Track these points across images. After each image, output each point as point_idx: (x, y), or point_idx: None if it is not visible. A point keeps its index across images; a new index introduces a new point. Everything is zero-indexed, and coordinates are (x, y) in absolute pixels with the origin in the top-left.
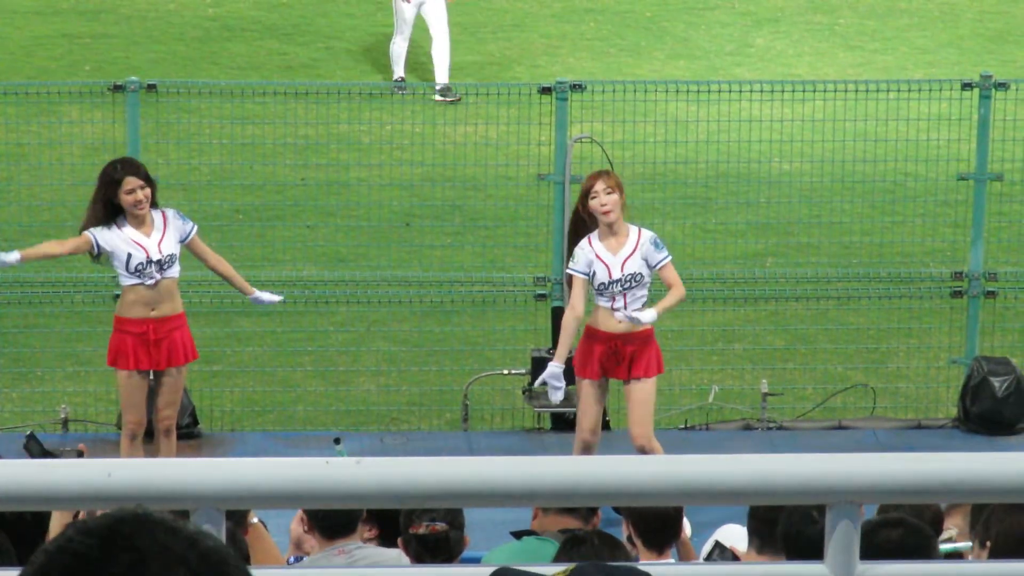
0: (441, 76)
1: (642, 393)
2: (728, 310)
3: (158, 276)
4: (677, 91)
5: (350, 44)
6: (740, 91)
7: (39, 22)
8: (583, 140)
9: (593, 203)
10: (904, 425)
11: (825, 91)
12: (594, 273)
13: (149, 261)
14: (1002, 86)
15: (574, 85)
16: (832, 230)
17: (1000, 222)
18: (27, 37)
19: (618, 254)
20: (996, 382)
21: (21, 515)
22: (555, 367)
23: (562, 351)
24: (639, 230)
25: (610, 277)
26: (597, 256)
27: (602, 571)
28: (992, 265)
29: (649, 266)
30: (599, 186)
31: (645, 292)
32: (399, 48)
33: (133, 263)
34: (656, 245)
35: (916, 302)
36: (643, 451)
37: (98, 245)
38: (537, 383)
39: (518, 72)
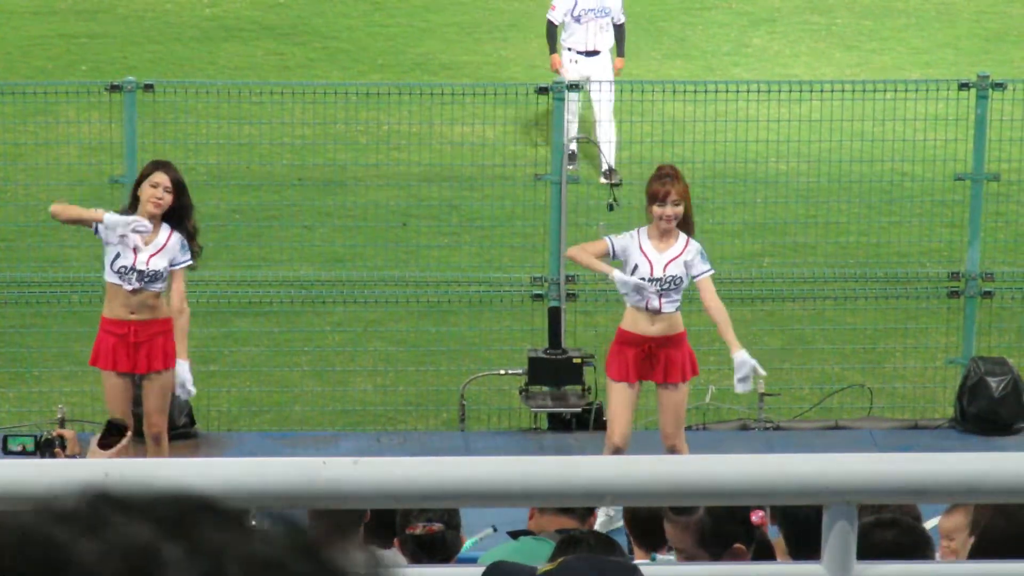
0: (609, 158)
1: (675, 398)
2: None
3: (137, 285)
4: (674, 91)
5: (347, 44)
6: (737, 91)
7: (36, 22)
8: (580, 140)
9: (657, 210)
10: (901, 425)
11: (822, 91)
12: (635, 267)
13: (132, 268)
14: (999, 86)
15: (571, 85)
16: (829, 230)
17: (997, 222)
18: (24, 37)
19: (664, 254)
20: (993, 382)
21: None
22: (619, 275)
23: (600, 264)
24: (687, 238)
25: (651, 275)
26: (642, 250)
27: (590, 564)
28: (989, 265)
29: (690, 274)
30: (671, 196)
31: (680, 296)
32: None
33: (118, 263)
34: (703, 256)
35: (913, 302)
36: (673, 451)
37: (100, 228)
38: (627, 285)
39: (515, 72)
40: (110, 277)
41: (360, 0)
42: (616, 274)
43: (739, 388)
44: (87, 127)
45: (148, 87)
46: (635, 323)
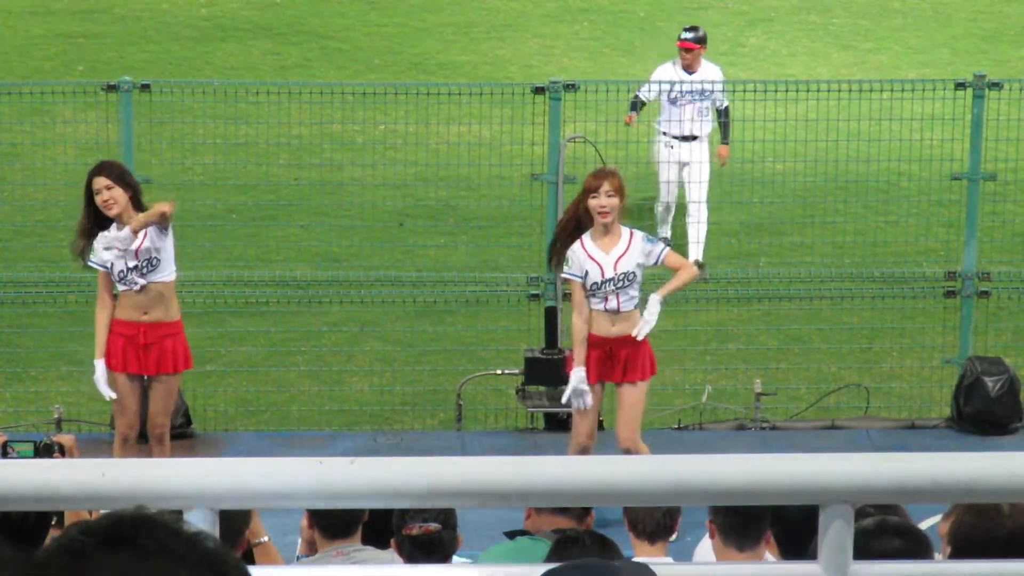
0: (694, 253)
1: (633, 397)
2: (721, 310)
3: (141, 281)
4: (670, 91)
5: (343, 44)
6: (733, 91)
7: (33, 22)
8: (576, 140)
9: (592, 202)
10: (897, 425)
11: (819, 91)
12: (587, 273)
13: (128, 268)
14: (995, 86)
15: (567, 85)
16: (825, 230)
17: (993, 222)
18: (21, 37)
19: (611, 253)
20: (989, 382)
21: (25, 514)
22: (579, 372)
23: (580, 356)
24: (631, 231)
25: (603, 276)
26: (589, 256)
27: (574, 567)
28: (985, 265)
29: (650, 263)
30: (603, 187)
31: (637, 292)
32: (659, 208)
33: (116, 271)
34: (649, 240)
35: (909, 302)
36: (628, 453)
37: (104, 267)
38: (566, 397)
39: (511, 72)
40: (119, 287)
41: (356, 0)
42: (578, 372)
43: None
44: (83, 127)
45: (144, 87)
46: (597, 325)
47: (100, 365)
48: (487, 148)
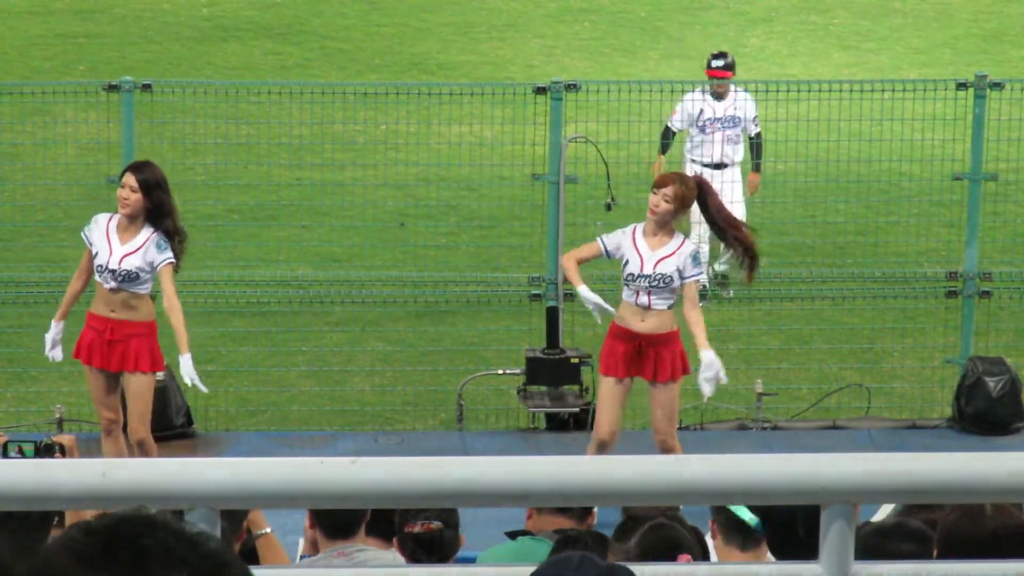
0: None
1: (664, 397)
2: (723, 310)
3: (112, 284)
4: (672, 91)
5: (344, 44)
6: (735, 91)
7: (34, 22)
8: (577, 140)
9: (650, 196)
10: (899, 425)
11: (819, 91)
12: (627, 261)
13: (106, 267)
14: (997, 86)
15: (569, 85)
16: (827, 230)
17: (995, 222)
18: (22, 37)
19: (656, 251)
20: (991, 382)
21: (26, 514)
22: (583, 291)
23: (576, 278)
24: (684, 239)
25: (640, 270)
26: (635, 246)
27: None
28: (987, 265)
29: (681, 276)
30: (663, 190)
31: (672, 296)
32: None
33: (97, 260)
34: (694, 260)
35: (911, 302)
36: (663, 446)
37: (89, 241)
38: (589, 301)
39: (513, 72)
40: (96, 277)
41: (357, 0)
42: (582, 289)
43: (705, 389)
44: (84, 127)
45: (146, 87)
46: (626, 319)
47: (55, 326)
48: (488, 148)
